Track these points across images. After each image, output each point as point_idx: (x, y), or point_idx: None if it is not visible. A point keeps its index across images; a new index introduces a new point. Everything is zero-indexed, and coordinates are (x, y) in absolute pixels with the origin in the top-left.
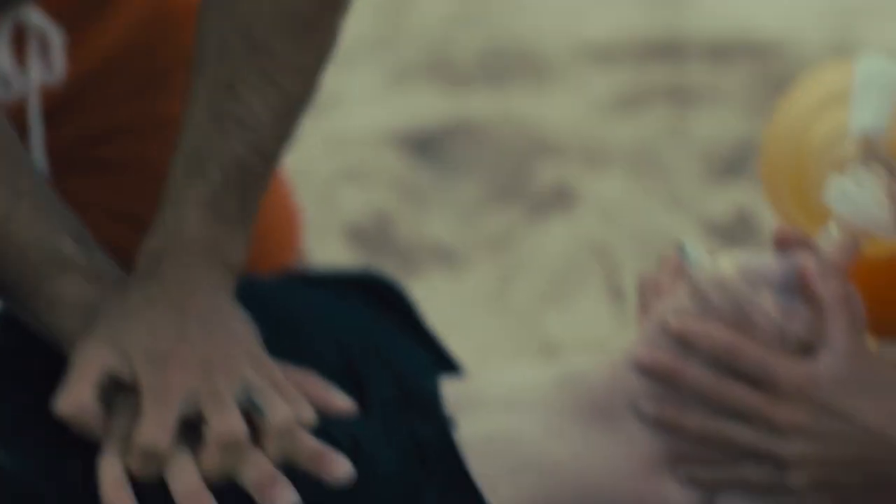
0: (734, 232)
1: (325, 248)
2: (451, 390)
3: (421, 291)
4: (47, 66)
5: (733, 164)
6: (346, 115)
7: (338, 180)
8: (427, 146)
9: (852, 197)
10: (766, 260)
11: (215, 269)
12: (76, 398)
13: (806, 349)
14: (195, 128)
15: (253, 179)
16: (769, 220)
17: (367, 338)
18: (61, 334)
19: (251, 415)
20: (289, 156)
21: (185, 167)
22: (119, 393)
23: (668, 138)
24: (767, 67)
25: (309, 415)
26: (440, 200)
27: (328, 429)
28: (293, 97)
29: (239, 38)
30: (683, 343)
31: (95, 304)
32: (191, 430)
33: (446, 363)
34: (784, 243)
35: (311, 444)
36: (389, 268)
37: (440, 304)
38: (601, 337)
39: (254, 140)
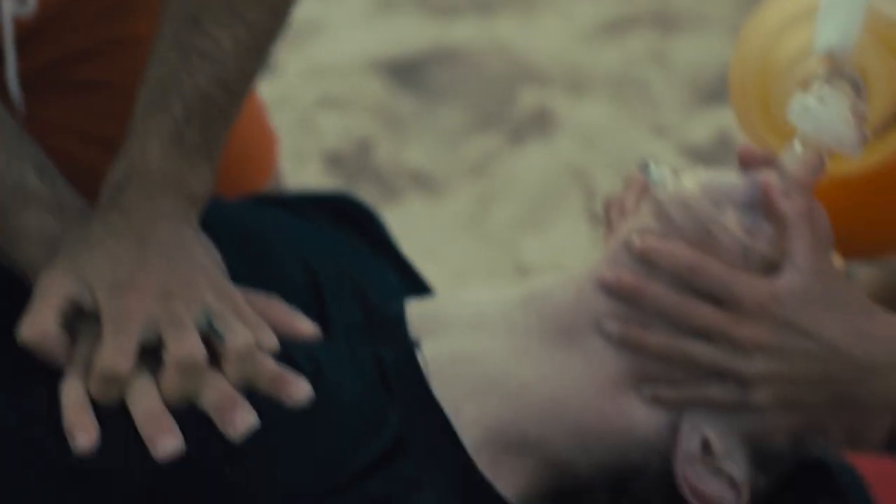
0: (716, 157)
1: (305, 174)
2: (416, 313)
3: (399, 217)
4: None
5: (716, 89)
6: (328, 42)
7: (319, 107)
8: (410, 73)
9: (815, 114)
10: (730, 178)
11: (178, 201)
12: (39, 325)
13: (770, 268)
14: (159, 60)
15: (217, 112)
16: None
17: (335, 260)
18: (26, 266)
19: (211, 340)
20: (270, 83)
21: (149, 100)
22: (81, 321)
23: (652, 64)
24: None
25: (270, 340)
26: (421, 127)
27: (290, 353)
28: (259, 30)
29: None
30: (646, 262)
31: (58, 236)
32: (152, 356)
33: (418, 287)
34: (748, 161)
35: (271, 367)
36: (368, 194)
37: (418, 230)
38: (578, 261)
39: (218, 73)
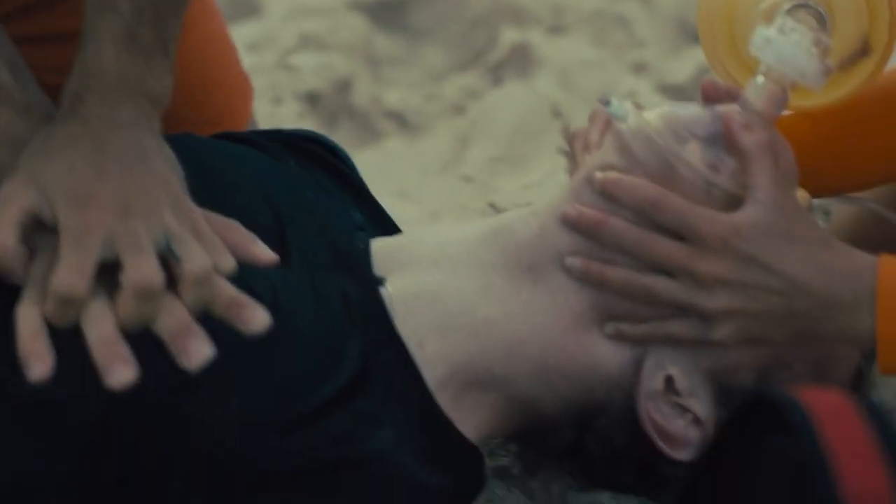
0: (695, 96)
1: (284, 114)
2: (380, 250)
3: (378, 157)
4: None
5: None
6: None
7: (300, 47)
8: (391, 13)
9: (777, 45)
10: (693, 112)
11: (138, 104)
12: None
13: (734, 203)
14: None
15: (165, 6)
16: None
17: (299, 196)
18: None
19: (169, 261)
20: (249, 24)
21: (95, 1)
22: (40, 234)
23: (633, 2)
24: None
25: (229, 263)
26: (402, 67)
27: (248, 279)
28: None
29: None
30: (608, 198)
31: (24, 139)
32: (108, 275)
33: (386, 225)
34: (711, 95)
35: (229, 292)
36: (347, 133)
37: (397, 170)
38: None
39: None
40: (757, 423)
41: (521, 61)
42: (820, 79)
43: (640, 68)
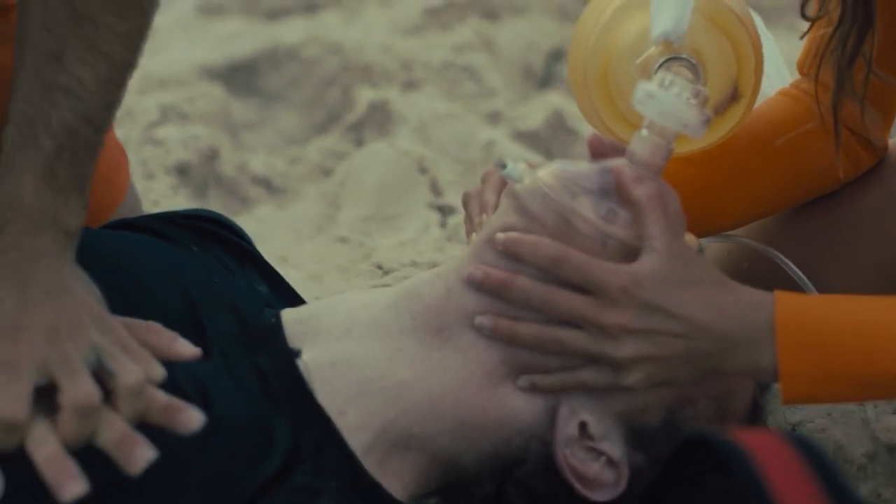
0: (551, 141)
1: (159, 188)
2: (291, 321)
3: (252, 224)
4: None
5: (543, 73)
6: (161, 53)
7: (161, 120)
8: (244, 78)
9: (659, 99)
10: (582, 168)
11: (55, 237)
12: None
13: (629, 253)
14: (24, 97)
15: (84, 146)
16: (588, 127)
17: (205, 278)
18: None
19: (101, 377)
20: None
21: (18, 136)
22: None
23: (480, 53)
24: None
25: (157, 371)
26: (262, 132)
27: (176, 380)
28: (119, 64)
29: (63, 9)
30: (512, 257)
31: None
32: (44, 398)
33: (287, 295)
34: (598, 150)
35: (163, 399)
36: (219, 203)
37: (271, 235)
38: (430, 252)
39: (83, 109)
40: (692, 465)
41: (379, 119)
42: (701, 128)
43: (493, 118)
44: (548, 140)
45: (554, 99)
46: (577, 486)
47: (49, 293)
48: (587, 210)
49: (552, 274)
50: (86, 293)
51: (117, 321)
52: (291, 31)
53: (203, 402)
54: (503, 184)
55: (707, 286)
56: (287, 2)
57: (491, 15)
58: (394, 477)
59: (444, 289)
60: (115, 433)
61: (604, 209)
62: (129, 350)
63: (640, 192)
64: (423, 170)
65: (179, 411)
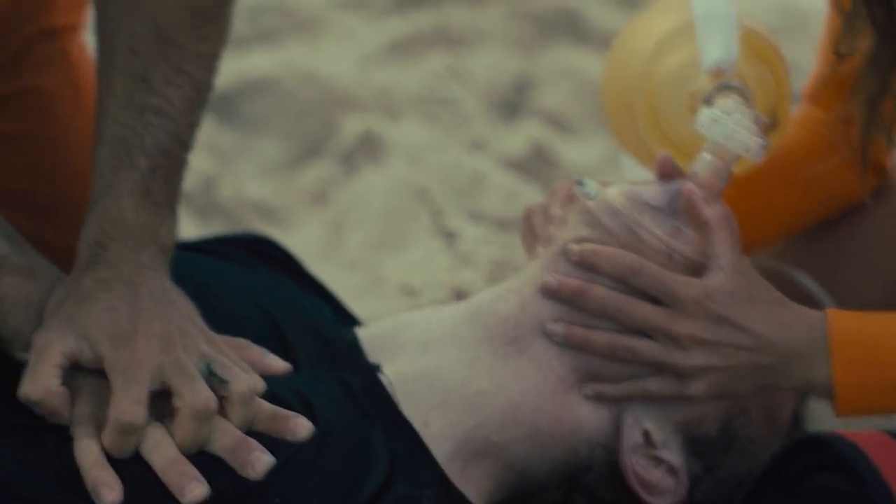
0: (537, 169)
1: None
2: (368, 338)
3: None
4: None
5: (514, 102)
6: None
7: None
8: (225, 108)
9: (723, 124)
10: (649, 188)
11: (154, 253)
12: (41, 382)
13: (692, 268)
14: (116, 119)
15: (175, 165)
16: (566, 155)
17: (278, 297)
18: (6, 332)
19: (213, 386)
20: None
21: (113, 157)
22: (79, 376)
23: (454, 82)
24: (523, 5)
25: (259, 382)
26: (251, 160)
27: (277, 392)
28: (201, 84)
29: (148, 32)
30: (587, 267)
31: (35, 299)
32: (157, 403)
33: (344, 314)
34: (666, 172)
35: (269, 407)
36: (221, 230)
37: None
38: (442, 274)
39: (173, 128)
40: (802, 465)
41: (367, 148)
42: (761, 152)
43: (477, 146)
44: (534, 169)
45: (532, 127)
46: (641, 492)
47: (158, 302)
48: (654, 226)
49: (627, 284)
50: (187, 306)
51: (217, 335)
52: (262, 61)
53: (308, 412)
54: (572, 199)
55: (769, 303)
56: (242, 30)
57: (455, 45)
58: (473, 485)
59: (519, 301)
60: (231, 439)
61: (669, 226)
62: (233, 361)
63: (710, 212)
64: (420, 194)
65: (288, 419)
